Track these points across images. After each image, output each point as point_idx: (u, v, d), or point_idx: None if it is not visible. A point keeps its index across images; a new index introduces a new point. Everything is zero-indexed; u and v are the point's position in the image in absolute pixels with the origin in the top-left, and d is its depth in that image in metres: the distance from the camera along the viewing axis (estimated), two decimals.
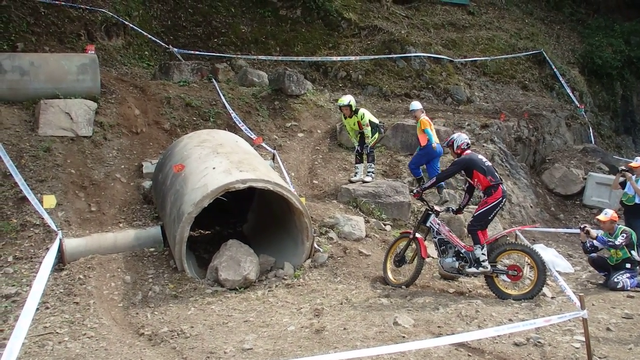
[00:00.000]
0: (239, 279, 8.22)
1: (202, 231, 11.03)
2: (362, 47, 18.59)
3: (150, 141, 12.09)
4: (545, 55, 20.56)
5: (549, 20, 24.90)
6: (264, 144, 12.30)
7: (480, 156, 8.55)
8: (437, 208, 8.86)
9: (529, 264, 8.41)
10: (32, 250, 8.79)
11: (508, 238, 9.91)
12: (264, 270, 8.78)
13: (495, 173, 8.34)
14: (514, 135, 15.89)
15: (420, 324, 6.95)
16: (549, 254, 10.84)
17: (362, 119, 11.27)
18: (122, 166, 11.21)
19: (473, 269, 8.18)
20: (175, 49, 16.68)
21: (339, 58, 17.53)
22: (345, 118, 11.59)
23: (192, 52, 16.83)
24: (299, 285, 8.41)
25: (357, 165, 11.62)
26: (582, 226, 9.32)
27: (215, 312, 7.53)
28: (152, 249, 9.19)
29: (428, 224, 8.66)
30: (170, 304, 7.80)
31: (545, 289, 8.51)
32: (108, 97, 12.24)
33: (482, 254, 8.13)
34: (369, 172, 11.50)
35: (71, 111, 11.22)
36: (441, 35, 20.63)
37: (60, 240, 8.50)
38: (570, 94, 19.64)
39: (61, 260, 8.49)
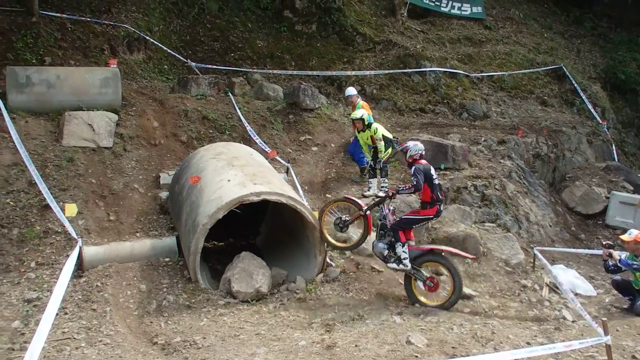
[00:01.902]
0: (251, 292, 8.37)
1: (215, 242, 11.21)
2: (377, 61, 18.73)
3: (168, 153, 12.36)
4: (565, 70, 20.50)
5: (569, 34, 24.87)
6: (278, 157, 12.49)
7: (433, 171, 8.76)
8: (392, 191, 8.79)
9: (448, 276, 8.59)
10: (53, 257, 9.09)
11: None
12: (276, 283, 8.89)
13: (439, 193, 8.65)
14: (532, 152, 15.79)
15: (434, 343, 6.92)
16: (569, 276, 10.72)
17: (375, 134, 11.37)
18: (140, 177, 11.49)
19: (394, 265, 8.53)
20: (194, 63, 16.97)
21: (353, 72, 17.69)
22: (358, 132, 11.70)
23: (210, 66, 17.11)
24: (311, 300, 8.49)
25: (370, 179, 11.70)
26: (604, 242, 9.13)
27: (227, 324, 7.68)
28: (167, 259, 9.38)
29: (381, 206, 8.92)
30: (184, 314, 7.99)
31: (565, 313, 8.48)
32: (128, 110, 12.57)
33: (404, 251, 8.43)
34: (382, 187, 11.58)
35: (93, 123, 11.57)
36: (457, 50, 20.70)
37: (80, 247, 8.79)
38: (592, 110, 19.44)
39: (80, 267, 8.74)
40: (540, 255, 10.68)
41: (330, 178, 12.81)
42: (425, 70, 18.27)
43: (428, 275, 8.62)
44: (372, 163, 11.60)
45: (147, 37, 16.61)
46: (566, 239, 13.71)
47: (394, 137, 12.09)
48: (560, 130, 17.17)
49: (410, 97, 17.67)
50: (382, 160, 11.48)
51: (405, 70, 18.22)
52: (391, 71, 18.09)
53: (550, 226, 13.70)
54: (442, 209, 8.86)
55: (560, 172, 16.44)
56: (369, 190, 11.69)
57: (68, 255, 8.51)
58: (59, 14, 14.96)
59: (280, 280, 9.01)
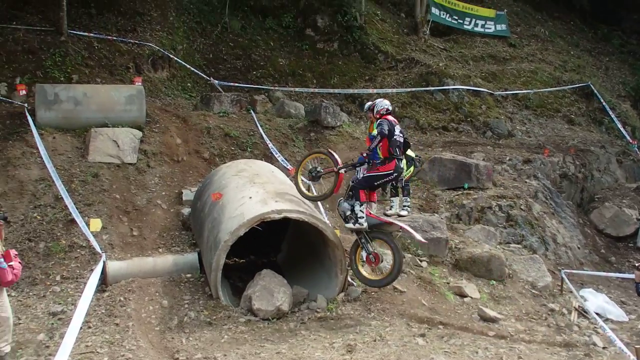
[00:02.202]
0: (271, 310, 8.34)
1: (237, 259, 11.22)
2: (399, 79, 18.76)
3: (190, 169, 12.46)
4: (593, 88, 20.27)
5: (596, 52, 24.69)
6: None
7: (397, 127, 8.84)
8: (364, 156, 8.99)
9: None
10: (78, 271, 9.22)
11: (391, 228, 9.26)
12: (297, 301, 8.83)
13: (398, 149, 8.69)
14: (559, 172, 15.61)
15: None
16: (599, 300, 10.52)
17: None
18: (163, 193, 11.58)
19: (350, 225, 8.63)
20: (216, 81, 17.15)
21: (375, 90, 17.70)
22: None
23: (232, 84, 17.27)
24: (332, 319, 8.41)
25: (392, 198, 11.59)
26: (637, 265, 8.97)
27: (247, 342, 7.66)
28: (188, 275, 9.41)
29: (358, 169, 9.11)
30: (205, 330, 7.99)
31: (595, 338, 8.32)
32: (152, 127, 12.72)
33: (361, 210, 8.52)
34: (404, 206, 11.47)
35: (118, 139, 11.73)
36: (480, 68, 20.66)
37: (104, 262, 8.90)
38: (622, 129, 19.09)
39: (104, 281, 8.82)
40: (567, 279, 10.53)
41: None
42: (448, 88, 18.24)
43: (373, 251, 8.70)
44: (394, 182, 11.52)
45: (171, 56, 16.85)
46: (595, 262, 13.45)
47: (416, 156, 12.02)
48: (589, 149, 16.94)
49: (432, 115, 17.64)
50: (404, 179, 11.40)
51: (427, 88, 18.20)
52: (413, 89, 18.09)
53: (579, 248, 13.45)
54: (401, 164, 8.88)
55: (589, 193, 16.12)
56: (390, 209, 11.57)
57: (92, 270, 8.63)
58: (86, 33, 15.27)
59: (301, 298, 8.96)
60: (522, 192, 13.52)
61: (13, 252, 6.83)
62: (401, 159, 8.85)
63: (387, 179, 8.81)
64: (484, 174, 13.41)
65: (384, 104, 9.12)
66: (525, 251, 12.04)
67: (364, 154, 8.92)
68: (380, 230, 8.77)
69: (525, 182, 14.18)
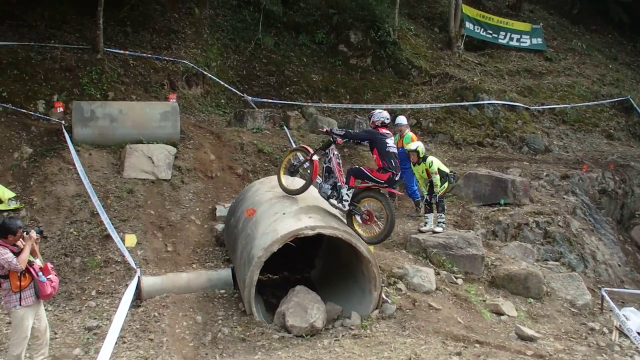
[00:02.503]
0: (305, 326, 8.26)
1: (270, 275, 11.17)
2: (433, 94, 18.65)
3: (224, 185, 12.52)
4: (633, 101, 19.95)
5: (635, 65, 24.32)
6: None
7: (388, 140, 9.20)
8: (339, 140, 9.37)
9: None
10: (113, 286, 9.31)
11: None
12: (331, 318, 8.74)
13: (393, 162, 8.98)
14: (598, 188, 15.26)
15: None
16: None
17: (430, 167, 11.19)
18: (197, 209, 11.63)
19: (334, 201, 9.09)
20: (250, 97, 17.28)
21: (409, 106, 17.64)
22: (414, 165, 11.54)
23: (265, 100, 17.39)
24: (366, 337, 8.26)
25: (427, 214, 11.49)
26: None
27: (281, 358, 7.58)
28: (222, 291, 9.40)
29: (327, 151, 9.45)
30: (238, 346, 7.94)
31: (638, 359, 8.04)
32: (186, 143, 12.83)
33: (347, 194, 8.98)
34: (439, 222, 11.34)
35: (153, 155, 11.85)
36: (516, 82, 20.46)
37: (139, 278, 8.97)
38: None
39: (139, 297, 8.87)
40: (608, 297, 10.23)
41: None
42: (483, 103, 18.06)
43: (365, 210, 9.06)
44: (428, 197, 11.40)
45: (205, 72, 17.05)
46: (637, 280, 13.08)
47: (450, 172, 11.87)
48: (628, 164, 16.50)
49: (467, 130, 17.46)
50: (438, 195, 11.25)
51: (462, 103, 18.06)
52: (448, 104, 17.96)
53: (619, 266, 13.11)
54: (396, 179, 9.14)
55: (629, 209, 15.70)
56: (425, 226, 11.47)
57: (127, 285, 8.71)
58: (122, 51, 15.56)
59: (335, 315, 8.86)
60: (560, 208, 13.24)
61: (49, 265, 6.94)
62: (396, 174, 9.06)
63: (376, 184, 9.07)
64: (521, 190, 13.19)
65: (381, 115, 9.46)
66: (564, 268, 11.77)
67: (333, 137, 9.36)
68: (365, 191, 9.14)
69: (563, 198, 13.91)
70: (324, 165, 9.45)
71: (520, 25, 23.48)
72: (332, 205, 9.20)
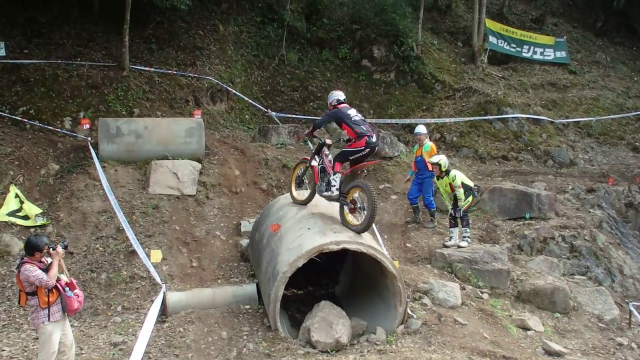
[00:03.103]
0: (330, 342, 8.22)
1: (295, 291, 11.16)
2: (457, 108, 18.58)
3: (249, 201, 12.57)
4: None
5: None
6: None
7: (350, 111, 9.36)
8: (328, 142, 9.77)
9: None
10: (138, 302, 9.38)
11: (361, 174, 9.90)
12: (356, 333, 8.69)
13: (363, 126, 9.08)
14: (624, 201, 14.95)
15: None
16: None
17: (453, 181, 11.12)
18: (222, 224, 11.69)
19: (325, 192, 9.22)
20: (274, 113, 17.38)
21: (432, 120, 17.59)
22: (437, 178, 11.49)
23: (289, 115, 17.47)
24: (392, 352, 8.17)
25: (451, 229, 11.42)
26: None
27: None
28: (247, 306, 9.40)
29: (320, 153, 9.68)
30: None
31: None
32: (211, 159, 12.94)
33: (334, 179, 9.14)
34: (464, 236, 11.26)
35: (178, 171, 11.96)
36: (540, 96, 20.32)
37: (164, 293, 9.01)
38: None
39: (164, 312, 8.91)
40: (636, 312, 10.08)
41: (410, 227, 12.60)
42: (508, 117, 17.92)
43: (351, 199, 9.13)
44: (452, 211, 11.32)
45: (230, 88, 17.21)
46: None
47: (475, 186, 11.80)
48: None
49: (492, 144, 17.34)
50: (463, 209, 11.18)
51: (486, 117, 17.95)
52: (472, 118, 17.87)
53: None
54: (374, 140, 9.12)
55: None
56: (450, 240, 11.40)
57: (152, 301, 8.76)
58: (147, 68, 15.79)
59: (360, 330, 8.81)
60: (586, 222, 13.07)
61: (74, 281, 7.02)
62: (371, 135, 9.10)
63: (361, 154, 9.09)
64: (546, 204, 13.07)
65: (333, 96, 9.77)
66: (591, 283, 11.61)
67: (324, 140, 9.75)
68: (351, 181, 9.24)
69: (589, 211, 13.74)
70: (319, 167, 9.62)
71: (543, 38, 23.35)
72: (324, 197, 9.37)
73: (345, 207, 9.11)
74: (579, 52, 24.40)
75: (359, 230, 8.84)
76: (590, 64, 23.58)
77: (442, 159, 11.29)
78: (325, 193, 9.24)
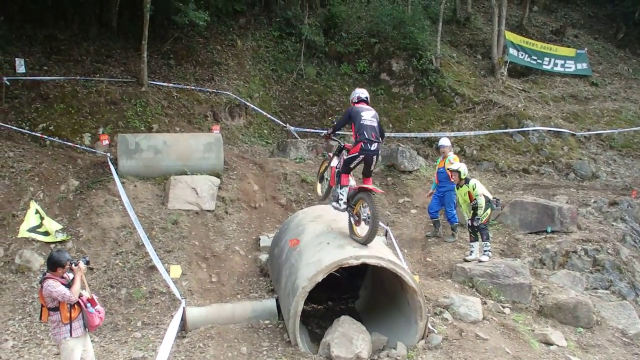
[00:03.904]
0: (350, 357, 8.13)
1: (315, 305, 11.10)
2: (477, 121, 18.48)
3: (268, 215, 12.56)
4: None
5: None
6: None
7: (365, 112, 8.89)
8: (347, 145, 9.33)
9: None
10: (158, 317, 9.36)
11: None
12: (376, 349, 8.61)
13: (366, 132, 8.64)
14: None
15: None
16: None
17: (473, 190, 11.01)
18: (241, 239, 11.69)
19: (334, 204, 9.22)
20: (292, 127, 17.44)
21: (452, 133, 17.51)
22: (457, 187, 11.39)
23: (308, 130, 17.51)
24: None
25: (472, 243, 11.30)
26: None
27: None
28: (267, 321, 9.34)
29: (339, 156, 9.48)
30: None
31: None
32: (230, 174, 12.96)
33: (341, 193, 9.06)
34: (485, 251, 11.14)
35: (197, 186, 11.97)
36: (561, 108, 20.16)
37: (184, 308, 8.98)
38: None
39: (183, 327, 8.89)
40: None
41: (430, 242, 12.49)
42: (528, 130, 17.79)
43: (355, 213, 9.05)
44: (470, 222, 11.19)
45: (248, 103, 17.31)
46: None
47: (493, 198, 11.69)
48: None
49: (512, 157, 17.21)
50: (482, 223, 11.05)
51: (506, 130, 17.84)
52: (492, 131, 17.77)
53: None
54: (371, 148, 8.68)
55: None
56: (470, 255, 11.29)
57: (172, 316, 8.75)
58: (166, 84, 15.94)
59: (381, 346, 8.72)
60: (609, 235, 12.87)
61: (95, 297, 7.03)
62: (370, 142, 8.68)
63: (357, 160, 8.86)
64: (568, 217, 12.89)
65: (355, 92, 9.48)
66: (614, 297, 11.41)
67: (342, 144, 9.47)
68: (358, 194, 9.06)
69: (612, 225, 13.53)
70: (336, 171, 9.39)
71: (564, 50, 23.24)
72: (333, 207, 9.37)
73: (352, 219, 9.08)
74: (600, 63, 24.23)
75: (361, 242, 8.75)
76: (611, 76, 23.39)
77: (461, 166, 11.28)
78: (334, 204, 9.27)
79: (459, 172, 11.11)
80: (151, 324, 9.21)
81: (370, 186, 8.86)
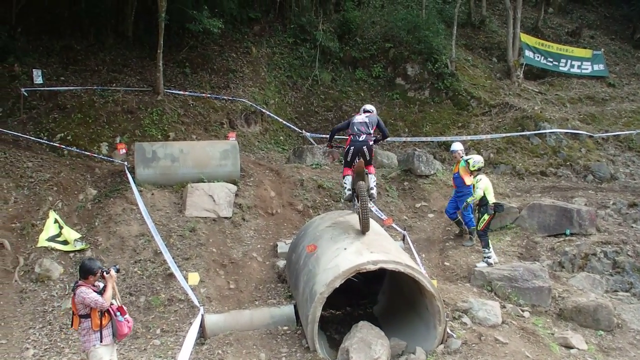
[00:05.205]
0: None
1: (333, 311, 11.09)
2: (493, 125, 18.38)
3: (285, 222, 12.58)
4: None
5: None
6: (394, 225, 12.33)
7: (359, 116, 9.93)
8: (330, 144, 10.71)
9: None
10: (177, 324, 9.41)
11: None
12: (395, 354, 8.58)
13: (356, 127, 9.62)
14: None
15: None
16: None
17: (477, 183, 11.00)
18: (259, 246, 11.72)
19: (343, 197, 10.06)
20: (308, 134, 17.46)
21: (469, 137, 17.43)
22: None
23: (324, 135, 17.46)
24: None
25: (484, 249, 11.24)
26: None
27: None
28: (285, 328, 9.35)
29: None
30: None
31: None
32: (246, 180, 13.01)
33: (344, 182, 9.89)
34: (484, 257, 11.06)
35: (214, 194, 12.04)
36: (578, 110, 19.98)
37: (202, 316, 9.02)
38: None
39: (202, 335, 8.93)
40: None
41: (448, 245, 12.44)
42: (545, 132, 17.64)
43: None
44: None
45: (264, 110, 17.38)
46: None
47: (493, 204, 11.53)
48: None
49: (529, 160, 17.08)
50: (479, 229, 11.03)
51: (523, 133, 17.70)
52: (508, 134, 17.65)
53: None
54: (359, 139, 9.55)
55: None
56: (489, 259, 11.20)
57: (191, 323, 8.77)
58: (181, 92, 16.07)
59: (399, 351, 8.69)
60: (629, 237, 12.71)
61: (124, 306, 7.10)
62: (358, 134, 9.56)
63: (350, 152, 9.66)
64: (587, 220, 12.77)
65: (362, 107, 10.45)
66: (635, 299, 11.25)
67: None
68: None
69: (632, 227, 13.35)
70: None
71: (580, 52, 23.05)
72: (344, 199, 10.35)
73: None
74: (617, 64, 24.01)
75: (361, 232, 9.31)
76: (629, 76, 23.15)
77: (472, 157, 11.41)
78: (343, 198, 10.09)
79: (469, 163, 11.16)
80: (170, 331, 9.27)
81: (360, 169, 9.58)
